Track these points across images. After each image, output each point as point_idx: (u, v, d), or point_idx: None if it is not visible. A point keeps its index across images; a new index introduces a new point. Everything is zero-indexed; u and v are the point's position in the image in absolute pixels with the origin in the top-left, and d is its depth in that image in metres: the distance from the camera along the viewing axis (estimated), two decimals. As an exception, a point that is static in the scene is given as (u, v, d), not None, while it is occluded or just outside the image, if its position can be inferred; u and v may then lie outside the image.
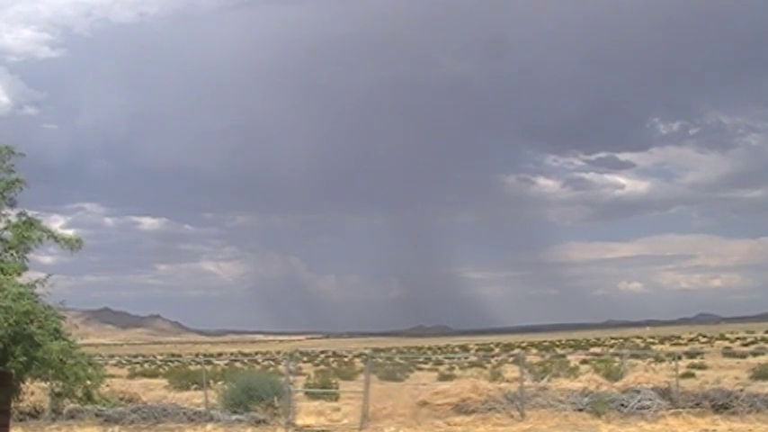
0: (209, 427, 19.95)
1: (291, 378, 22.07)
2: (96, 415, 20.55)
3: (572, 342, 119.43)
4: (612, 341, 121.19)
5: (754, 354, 50.32)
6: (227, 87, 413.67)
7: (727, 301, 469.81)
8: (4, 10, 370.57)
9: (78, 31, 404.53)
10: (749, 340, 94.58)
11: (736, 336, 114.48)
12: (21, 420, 19.80)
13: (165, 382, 41.33)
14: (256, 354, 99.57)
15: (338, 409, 23.53)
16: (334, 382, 34.66)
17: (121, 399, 22.81)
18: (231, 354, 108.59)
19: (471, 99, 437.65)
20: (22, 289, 14.52)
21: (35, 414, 20.87)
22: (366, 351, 29.53)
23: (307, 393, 27.53)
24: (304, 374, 43.73)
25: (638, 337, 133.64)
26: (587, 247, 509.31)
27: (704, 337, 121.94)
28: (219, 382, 29.07)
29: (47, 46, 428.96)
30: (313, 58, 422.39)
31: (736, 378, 32.04)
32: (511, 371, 35.08)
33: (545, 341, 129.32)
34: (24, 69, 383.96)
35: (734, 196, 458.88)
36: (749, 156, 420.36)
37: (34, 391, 21.07)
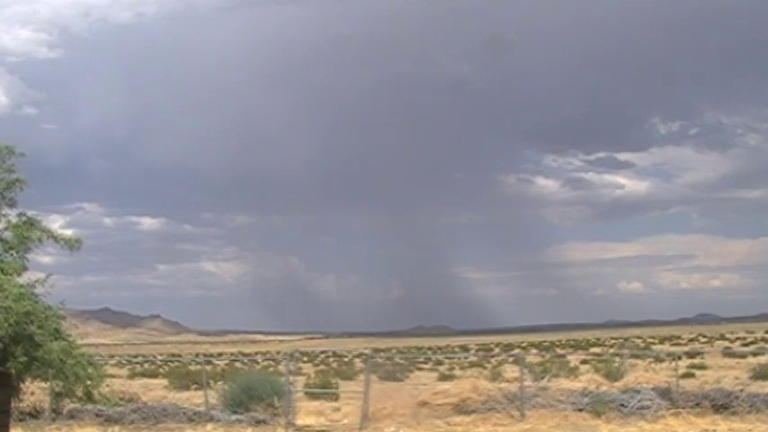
0: (209, 427, 19.95)
1: (291, 378, 22.07)
2: (96, 415, 20.56)
3: (572, 342, 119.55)
4: (612, 341, 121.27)
5: (754, 354, 50.30)
6: (226, 87, 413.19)
7: (727, 301, 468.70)
8: (2, 10, 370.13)
9: (77, 32, 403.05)
10: (749, 340, 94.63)
11: (736, 336, 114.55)
12: (21, 420, 19.80)
13: (165, 382, 41.37)
14: (256, 354, 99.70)
15: (338, 409, 23.55)
16: (334, 382, 34.70)
17: (121, 399, 22.85)
18: (231, 354, 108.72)
19: (470, 99, 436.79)
20: (22, 289, 14.52)
21: (35, 414, 20.88)
22: (366, 351, 29.56)
23: (307, 393, 27.55)
24: (304, 374, 43.78)
25: (638, 338, 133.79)
26: (587, 248, 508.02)
27: (704, 337, 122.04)
28: (219, 383, 29.09)
29: (45, 46, 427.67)
30: (312, 58, 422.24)
31: (737, 378, 32.01)
32: (511, 371, 35.09)
33: (545, 341, 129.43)
34: (23, 69, 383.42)
35: (734, 196, 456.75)
36: (749, 156, 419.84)
37: (34, 391, 21.08)
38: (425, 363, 62.41)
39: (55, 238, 17.17)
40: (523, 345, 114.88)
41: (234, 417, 20.51)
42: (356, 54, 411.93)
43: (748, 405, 19.68)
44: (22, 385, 19.00)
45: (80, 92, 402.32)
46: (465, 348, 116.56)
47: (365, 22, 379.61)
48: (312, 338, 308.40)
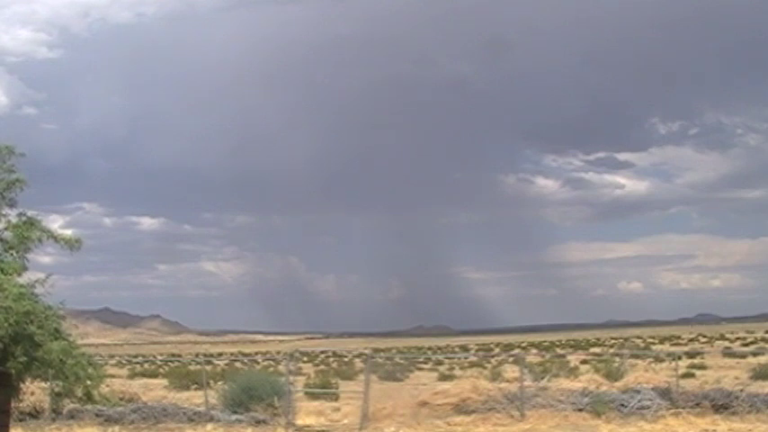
0: (209, 427, 19.95)
1: (291, 378, 22.06)
2: (96, 415, 20.55)
3: (572, 342, 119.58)
4: (612, 341, 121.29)
5: (754, 354, 50.30)
6: (225, 87, 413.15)
7: (727, 301, 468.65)
8: (1, 10, 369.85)
9: (76, 32, 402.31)
10: (749, 340, 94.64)
11: (736, 336, 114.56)
12: (21, 420, 19.80)
13: (165, 382, 41.38)
14: (256, 354, 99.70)
15: (338, 409, 23.55)
16: (334, 382, 34.71)
17: (121, 399, 22.86)
18: (231, 354, 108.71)
19: (470, 99, 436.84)
20: (22, 289, 14.53)
21: (35, 414, 20.87)
22: (366, 351, 29.55)
23: (307, 393, 27.56)
24: (304, 374, 43.79)
25: (638, 337, 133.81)
26: (587, 248, 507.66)
27: (704, 337, 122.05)
28: (219, 383, 29.09)
29: (45, 46, 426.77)
30: (312, 58, 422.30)
31: (736, 378, 32.01)
32: (511, 371, 35.09)
33: (545, 341, 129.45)
34: (23, 70, 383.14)
35: (734, 196, 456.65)
36: (749, 156, 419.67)
37: (34, 391, 21.11)
38: (425, 363, 62.41)
39: (55, 238, 17.19)
40: (523, 345, 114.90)
41: (234, 417, 20.51)
42: (356, 54, 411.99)
43: (748, 405, 19.67)
44: (22, 385, 19.04)
45: (80, 92, 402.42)
46: (465, 348, 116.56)
47: (365, 22, 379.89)
48: (312, 338, 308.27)
